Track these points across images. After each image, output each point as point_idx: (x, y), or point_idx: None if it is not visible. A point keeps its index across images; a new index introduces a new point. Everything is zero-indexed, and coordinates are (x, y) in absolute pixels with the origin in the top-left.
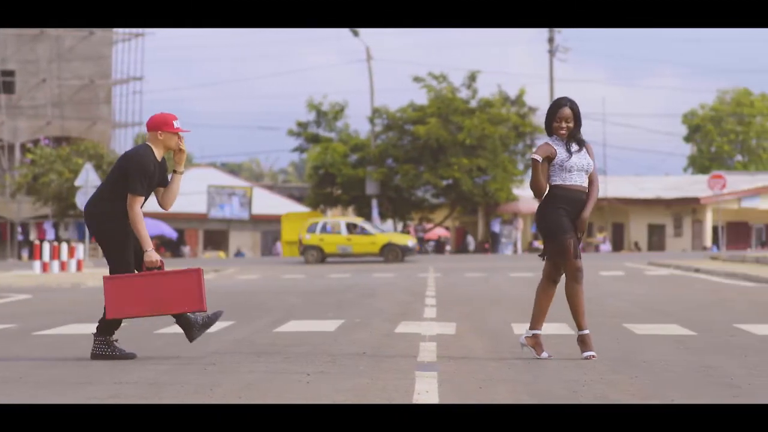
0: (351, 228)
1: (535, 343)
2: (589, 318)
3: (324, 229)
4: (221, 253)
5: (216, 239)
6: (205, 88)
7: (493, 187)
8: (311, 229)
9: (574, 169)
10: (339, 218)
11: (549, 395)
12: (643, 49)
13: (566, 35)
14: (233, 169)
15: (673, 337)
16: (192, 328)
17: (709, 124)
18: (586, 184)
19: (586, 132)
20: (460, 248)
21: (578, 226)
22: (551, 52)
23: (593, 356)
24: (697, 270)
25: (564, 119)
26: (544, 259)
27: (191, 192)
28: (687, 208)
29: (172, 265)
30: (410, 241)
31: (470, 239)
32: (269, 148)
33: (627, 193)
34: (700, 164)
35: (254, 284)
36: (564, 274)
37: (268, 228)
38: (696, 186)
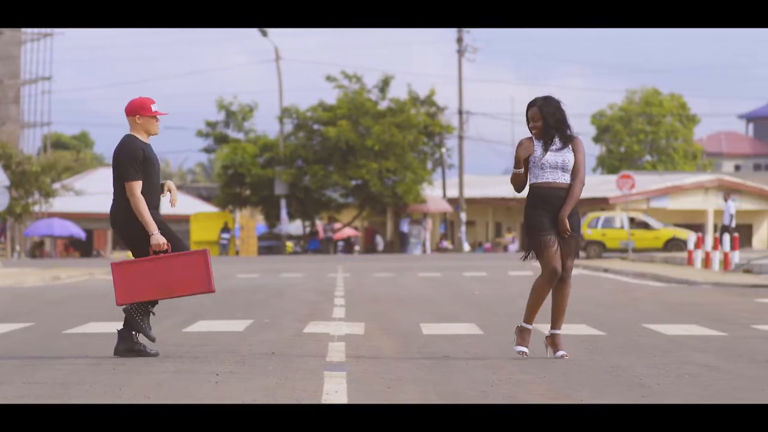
0: (632, 222)
1: (521, 336)
2: (498, 318)
3: (607, 224)
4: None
5: None
6: (114, 88)
7: (402, 188)
8: (593, 224)
9: (547, 167)
10: (618, 213)
11: (457, 395)
12: (551, 49)
13: (475, 35)
14: None
15: (582, 337)
16: (127, 344)
17: (618, 124)
18: (563, 181)
19: (495, 132)
20: (369, 248)
21: (558, 227)
22: (460, 52)
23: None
24: (606, 270)
25: (532, 119)
26: (525, 259)
27: (100, 192)
28: (596, 207)
29: (83, 263)
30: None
31: (379, 239)
32: (179, 148)
33: None
34: (609, 164)
35: None
36: (556, 272)
37: (177, 228)
38: (605, 186)
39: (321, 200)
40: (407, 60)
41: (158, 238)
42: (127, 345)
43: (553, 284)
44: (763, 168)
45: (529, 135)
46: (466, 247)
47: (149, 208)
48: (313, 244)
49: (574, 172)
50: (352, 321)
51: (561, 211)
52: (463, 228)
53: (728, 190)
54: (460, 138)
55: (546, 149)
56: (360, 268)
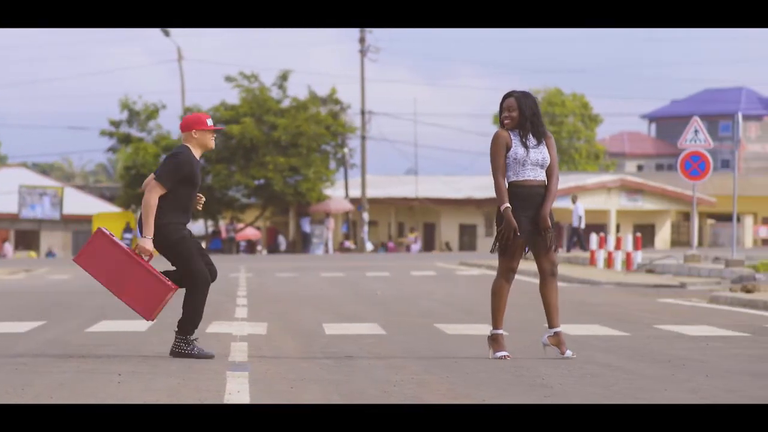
0: None
1: (495, 342)
2: (400, 318)
3: None
4: (32, 253)
5: (27, 239)
6: (13, 88)
7: (305, 186)
8: None
9: (528, 164)
10: None
11: (360, 395)
12: (453, 49)
13: (377, 35)
14: (44, 169)
15: (484, 337)
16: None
17: None
18: (541, 178)
19: (397, 132)
20: (272, 248)
21: (540, 225)
22: (362, 52)
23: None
24: None
25: (507, 108)
26: (493, 251)
27: (1, 192)
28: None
29: None
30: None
31: (281, 239)
32: (82, 148)
33: (438, 193)
34: None
35: (66, 284)
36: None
37: (80, 228)
38: None
39: (223, 200)
40: (309, 60)
41: (147, 243)
42: (179, 349)
43: (510, 283)
44: (665, 168)
45: (500, 128)
46: (369, 246)
47: (181, 223)
48: (215, 244)
49: (551, 170)
50: (255, 321)
51: (542, 209)
52: (366, 228)
53: (575, 194)
54: (363, 138)
55: (525, 144)
56: (262, 268)
